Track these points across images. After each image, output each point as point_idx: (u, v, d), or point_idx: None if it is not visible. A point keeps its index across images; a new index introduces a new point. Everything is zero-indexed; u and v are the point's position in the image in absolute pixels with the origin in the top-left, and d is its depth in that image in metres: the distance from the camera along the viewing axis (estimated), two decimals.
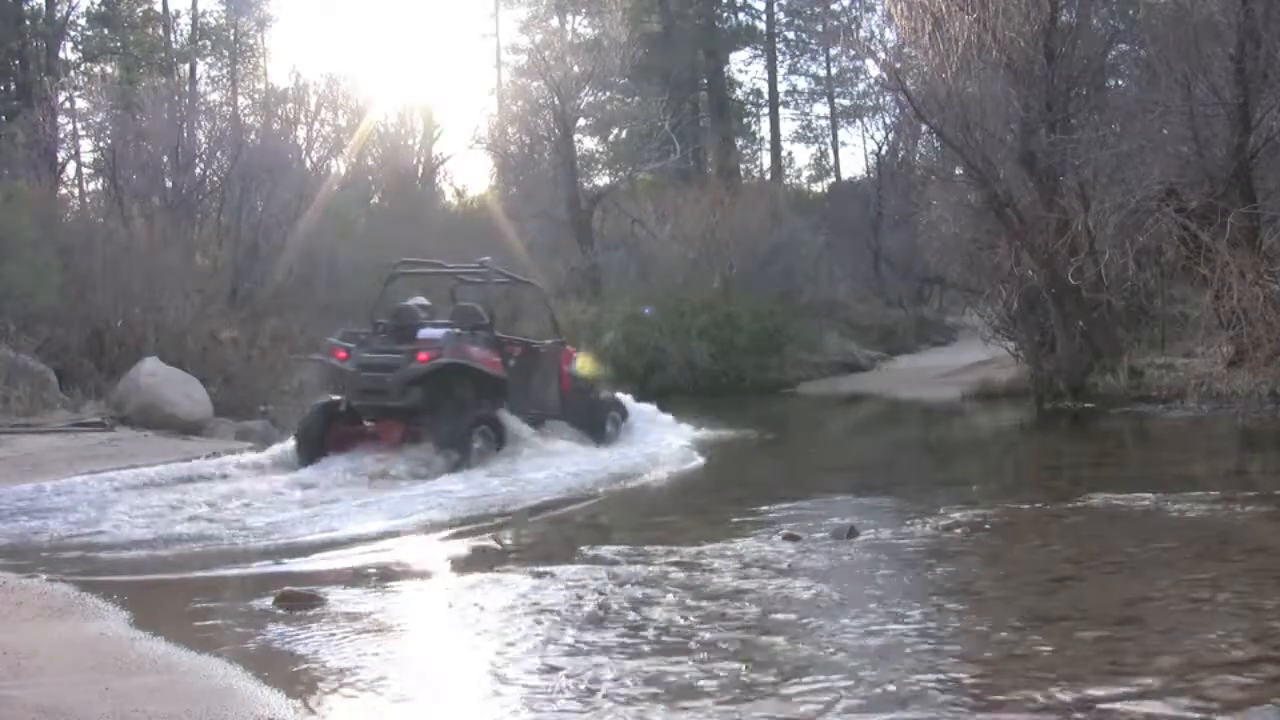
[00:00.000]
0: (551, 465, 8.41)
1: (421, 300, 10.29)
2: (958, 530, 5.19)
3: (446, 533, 6.01)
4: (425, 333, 9.43)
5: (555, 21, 34.98)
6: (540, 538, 5.91)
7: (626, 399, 11.30)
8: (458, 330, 9.40)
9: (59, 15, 27.92)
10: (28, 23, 27.36)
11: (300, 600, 4.21)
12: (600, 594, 4.25)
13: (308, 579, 4.72)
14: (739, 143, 37.12)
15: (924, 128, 15.34)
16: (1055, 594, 4.03)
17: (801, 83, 38.87)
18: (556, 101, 24.62)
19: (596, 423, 10.27)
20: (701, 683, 3.12)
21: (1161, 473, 7.17)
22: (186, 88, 28.45)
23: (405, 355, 9.01)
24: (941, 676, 3.08)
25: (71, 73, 28.01)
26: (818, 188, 36.75)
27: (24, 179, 19.34)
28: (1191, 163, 12.27)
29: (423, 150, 28.75)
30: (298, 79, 26.05)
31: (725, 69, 37.40)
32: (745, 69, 39.62)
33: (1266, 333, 10.90)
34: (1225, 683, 2.90)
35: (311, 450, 8.86)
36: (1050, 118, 13.06)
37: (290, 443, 9.17)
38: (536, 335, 11.24)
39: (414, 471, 8.24)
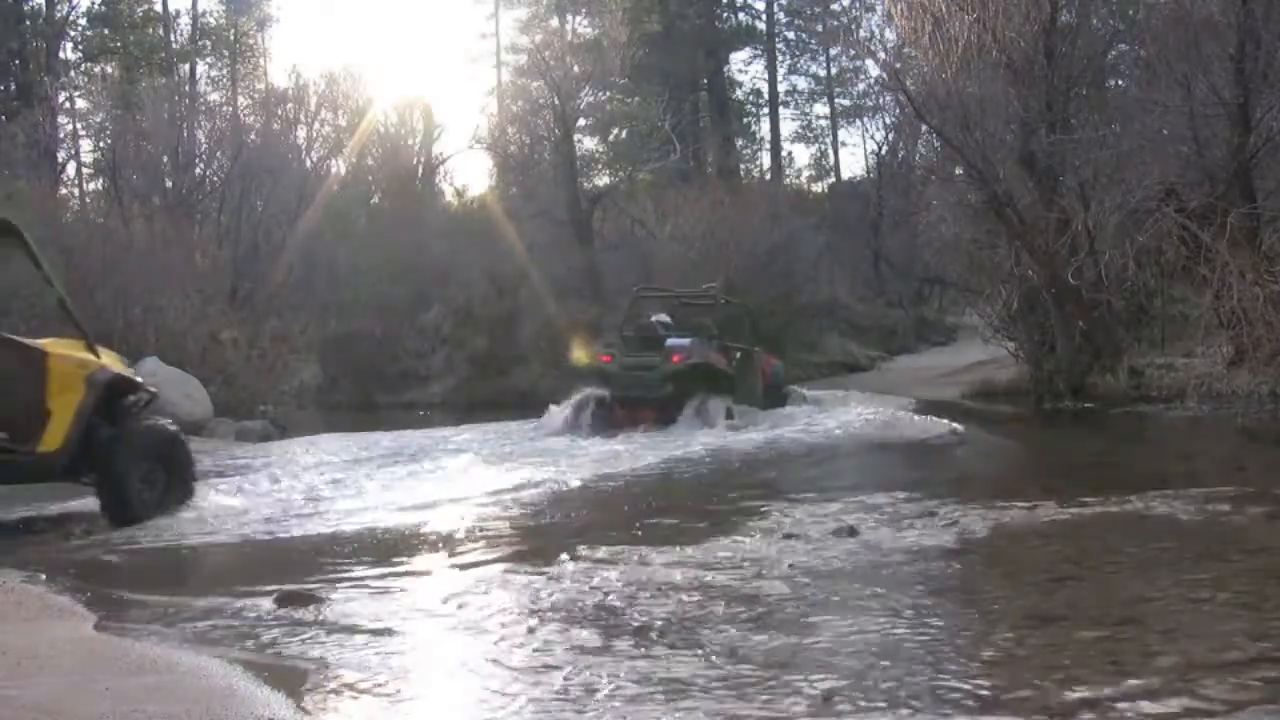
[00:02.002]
0: (773, 431, 11.24)
1: (664, 317, 13.42)
2: (957, 530, 5.19)
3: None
4: (673, 341, 12.41)
5: (555, 21, 35.03)
6: (543, 537, 5.91)
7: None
8: (699, 338, 12.59)
9: (59, 15, 27.93)
10: (28, 23, 27.38)
11: (300, 600, 4.21)
12: (600, 593, 4.25)
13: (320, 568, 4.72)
14: (739, 143, 37.14)
15: (924, 128, 15.35)
16: (1055, 594, 4.03)
17: (801, 83, 38.91)
18: (556, 101, 24.63)
19: (781, 398, 13.82)
20: (701, 682, 3.12)
21: (1161, 473, 7.18)
22: (186, 88, 28.49)
23: (662, 358, 12.07)
24: (941, 676, 3.08)
25: (71, 73, 28.03)
26: (818, 188, 36.77)
27: (24, 179, 19.35)
28: (1191, 163, 12.28)
29: (423, 150, 28.77)
30: (298, 79, 26.10)
31: (725, 69, 37.43)
32: (745, 69, 39.64)
33: (1266, 333, 10.90)
34: (1225, 683, 2.90)
35: (598, 425, 11.73)
36: (1050, 118, 13.07)
37: (561, 413, 12.17)
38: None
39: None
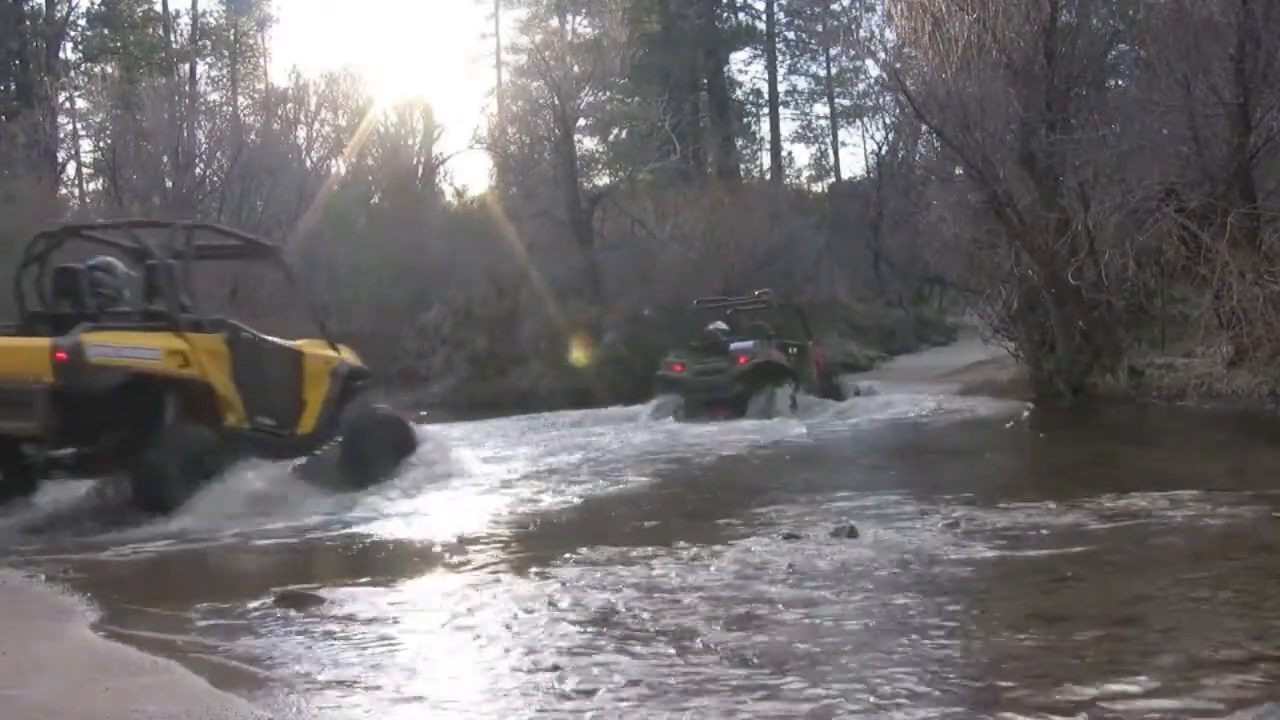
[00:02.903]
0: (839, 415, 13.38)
1: (722, 325, 14.92)
2: (957, 530, 5.19)
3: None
4: (737, 345, 14.06)
5: (555, 21, 35.04)
6: (546, 535, 5.91)
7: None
8: (759, 339, 14.22)
9: (59, 15, 27.91)
10: (28, 23, 27.36)
11: (300, 600, 4.21)
12: (601, 593, 4.25)
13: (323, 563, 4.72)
14: (739, 143, 37.16)
15: (924, 128, 15.34)
16: (1055, 594, 4.03)
17: (801, 83, 38.94)
18: (556, 101, 24.63)
19: (839, 394, 15.20)
20: (701, 683, 3.12)
21: (1161, 472, 7.17)
22: (186, 88, 28.48)
23: (729, 361, 13.78)
24: (941, 676, 3.08)
25: (71, 73, 28.01)
26: (818, 188, 36.79)
27: (24, 179, 19.34)
28: (1191, 163, 12.27)
29: (423, 150, 28.77)
30: (298, 79, 26.10)
31: (725, 69, 37.45)
32: (745, 69, 39.67)
33: (1266, 333, 10.89)
34: (1225, 682, 2.90)
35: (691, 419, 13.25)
36: (1050, 118, 13.06)
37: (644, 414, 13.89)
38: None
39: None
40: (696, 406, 13.56)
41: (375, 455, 7.79)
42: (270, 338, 7.86)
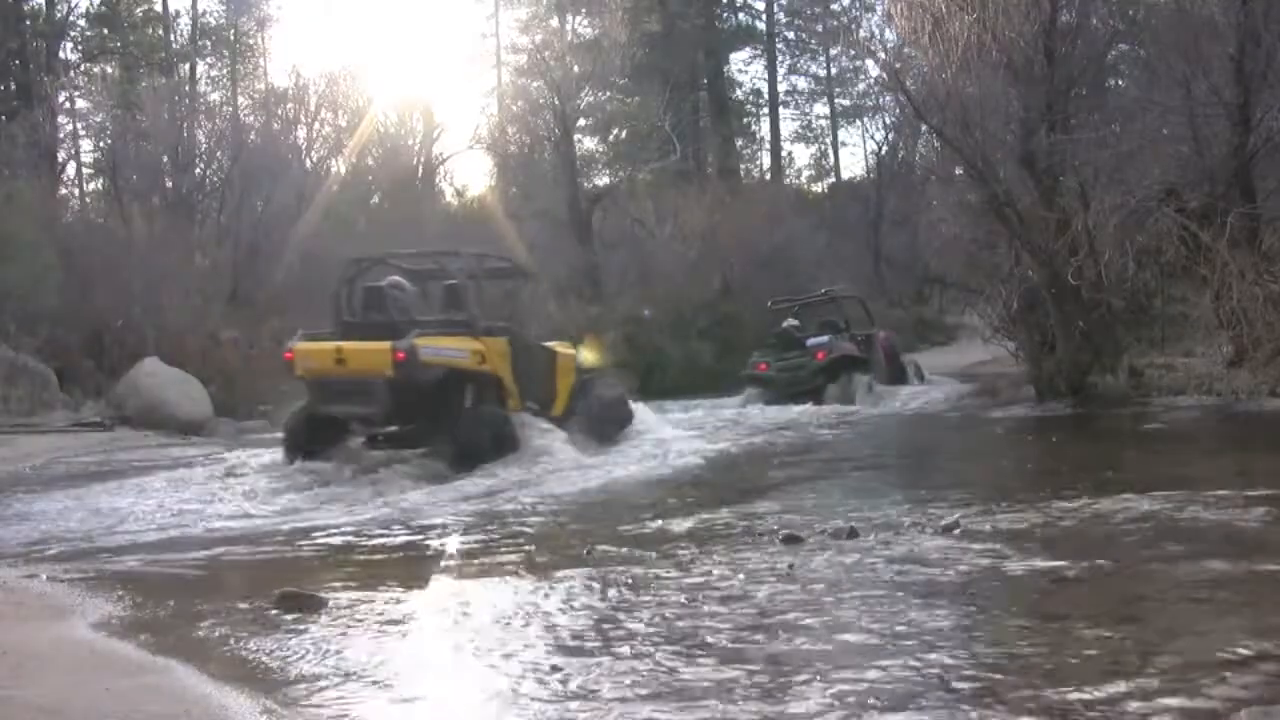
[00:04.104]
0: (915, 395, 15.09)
1: (794, 322, 16.04)
2: (957, 531, 5.19)
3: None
4: (813, 340, 15.40)
5: (555, 21, 34.97)
6: (547, 535, 5.91)
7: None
8: (831, 333, 15.60)
9: (59, 15, 27.88)
10: (28, 23, 27.32)
11: (301, 601, 4.21)
12: (602, 593, 4.25)
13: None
14: (739, 143, 37.11)
15: (924, 128, 15.34)
16: (1055, 594, 4.04)
17: (801, 83, 38.89)
18: (556, 101, 24.61)
19: (904, 376, 16.41)
20: (702, 684, 3.12)
21: (1161, 473, 7.17)
22: (186, 88, 28.45)
23: (808, 357, 15.12)
24: (941, 677, 3.08)
25: (71, 73, 27.96)
26: (818, 188, 36.75)
27: (24, 179, 19.32)
28: (1191, 163, 12.26)
29: (423, 150, 28.72)
30: (298, 79, 26.05)
31: (725, 69, 37.38)
32: (745, 69, 39.63)
33: (1266, 332, 10.88)
34: (1225, 683, 2.90)
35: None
36: (1050, 118, 13.04)
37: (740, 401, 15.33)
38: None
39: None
40: (781, 400, 14.66)
41: (606, 426, 9.97)
42: (541, 341, 10.07)
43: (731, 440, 10.73)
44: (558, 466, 8.36)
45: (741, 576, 4.46)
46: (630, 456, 9.19)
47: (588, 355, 10.86)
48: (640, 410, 10.89)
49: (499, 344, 9.09)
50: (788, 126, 38.53)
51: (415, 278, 9.81)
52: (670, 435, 10.45)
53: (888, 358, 16.39)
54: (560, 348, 10.24)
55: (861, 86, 34.93)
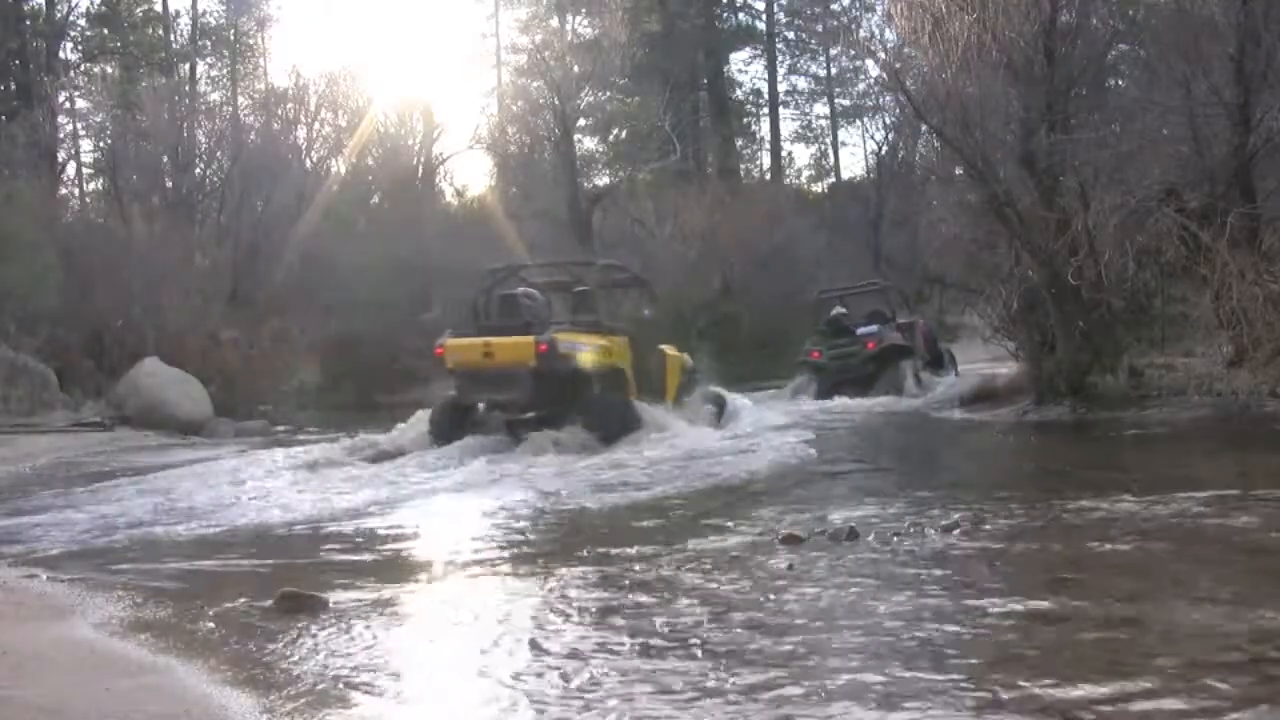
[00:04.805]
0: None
1: (842, 310, 17.08)
2: (957, 531, 5.19)
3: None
4: (863, 330, 16.47)
5: (555, 21, 34.98)
6: (545, 535, 5.91)
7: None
8: (881, 324, 16.60)
9: (59, 15, 27.88)
10: (28, 23, 27.32)
11: (302, 600, 4.21)
12: (603, 593, 4.25)
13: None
14: (739, 143, 37.11)
15: (924, 128, 15.33)
16: (1055, 594, 4.03)
17: (801, 83, 38.91)
18: (556, 101, 24.62)
19: (943, 362, 17.31)
20: (702, 684, 3.12)
21: (1161, 473, 7.18)
22: (186, 88, 28.46)
23: (859, 345, 16.16)
24: (941, 676, 3.08)
25: (71, 73, 27.96)
26: (818, 188, 36.75)
27: (24, 179, 19.33)
28: (1191, 163, 12.25)
29: (423, 150, 28.73)
30: (298, 79, 26.06)
31: (725, 69, 37.40)
32: (745, 69, 39.66)
33: (1266, 333, 10.87)
34: (1225, 683, 2.90)
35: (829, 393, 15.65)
36: (1050, 118, 13.03)
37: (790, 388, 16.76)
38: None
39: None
40: (831, 385, 15.83)
41: (709, 414, 11.66)
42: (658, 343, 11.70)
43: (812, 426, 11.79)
44: (668, 439, 9.82)
45: (740, 575, 4.46)
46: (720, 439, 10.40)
47: (688, 358, 12.56)
48: (735, 400, 12.67)
49: (621, 342, 10.69)
50: (788, 126, 38.57)
51: (545, 286, 11.32)
52: (757, 419, 11.95)
53: (927, 345, 17.16)
54: (669, 350, 11.91)
55: (861, 86, 34.99)
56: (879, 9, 21.31)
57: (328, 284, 20.80)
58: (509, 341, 9.72)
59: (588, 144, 33.53)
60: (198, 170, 21.91)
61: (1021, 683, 2.99)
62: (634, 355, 10.80)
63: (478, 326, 10.42)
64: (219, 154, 22.27)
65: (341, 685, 3.26)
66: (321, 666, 3.44)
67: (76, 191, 26.22)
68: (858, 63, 32.42)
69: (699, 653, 3.42)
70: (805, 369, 16.75)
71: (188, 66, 31.31)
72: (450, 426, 10.07)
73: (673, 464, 8.42)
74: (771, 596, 4.11)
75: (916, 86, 13.98)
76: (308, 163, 24.42)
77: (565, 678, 3.23)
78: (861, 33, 27.91)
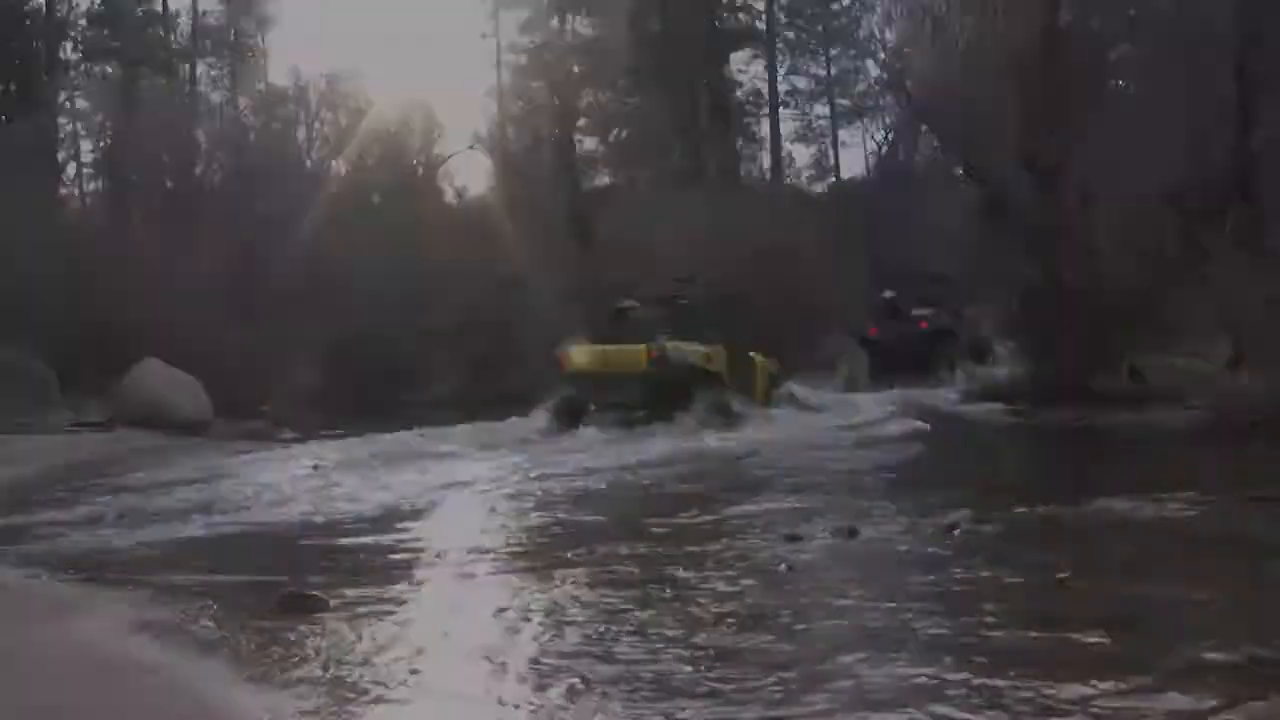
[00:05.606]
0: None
1: (892, 293, 18.57)
2: (957, 531, 5.19)
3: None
4: (917, 311, 17.95)
5: (555, 21, 34.91)
6: (545, 536, 5.91)
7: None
8: (935, 308, 17.93)
9: (59, 15, 27.86)
10: (28, 23, 27.30)
11: (303, 601, 4.21)
12: (604, 593, 4.25)
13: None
14: (739, 143, 37.02)
15: (924, 128, 15.35)
16: (1055, 594, 4.03)
17: (801, 83, 38.71)
18: (556, 101, 24.60)
19: (991, 349, 16.76)
20: (702, 683, 3.12)
21: (1161, 473, 7.18)
22: (186, 88, 28.44)
23: (913, 325, 17.67)
24: (940, 677, 3.08)
25: (71, 73, 27.94)
26: (818, 188, 36.67)
27: (24, 179, 19.31)
28: (1191, 163, 12.26)
29: (423, 150, 28.69)
30: (298, 79, 26.04)
31: (725, 69, 37.30)
32: (745, 69, 39.47)
33: (1266, 333, 10.87)
34: (1225, 683, 2.90)
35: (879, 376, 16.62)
36: (1050, 118, 13.03)
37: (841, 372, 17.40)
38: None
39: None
40: (888, 360, 16.68)
41: (792, 407, 13.14)
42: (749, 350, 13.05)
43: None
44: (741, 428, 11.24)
45: (742, 574, 4.46)
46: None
47: (774, 364, 13.71)
48: (799, 390, 13.87)
49: (719, 351, 12.29)
50: (788, 127, 38.40)
51: (653, 303, 12.85)
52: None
53: (971, 335, 17.75)
54: (757, 356, 13.25)
55: (861, 86, 34.83)
56: (879, 9, 21.32)
57: (328, 284, 20.77)
58: (624, 349, 11.69)
59: (588, 144, 33.48)
60: (198, 170, 21.89)
61: (1021, 683, 2.99)
62: (729, 362, 12.39)
63: (594, 336, 12.36)
64: (219, 154, 22.26)
65: (342, 684, 3.24)
66: (322, 666, 3.42)
67: (76, 191, 26.21)
68: (858, 63, 32.40)
69: (698, 653, 3.42)
70: (862, 344, 17.75)
71: (188, 66, 31.27)
72: (571, 419, 11.73)
73: (767, 449, 9.82)
74: (772, 595, 4.11)
75: (916, 86, 13.99)
76: (308, 163, 24.42)
77: (564, 677, 3.22)
78: (861, 33, 27.91)
